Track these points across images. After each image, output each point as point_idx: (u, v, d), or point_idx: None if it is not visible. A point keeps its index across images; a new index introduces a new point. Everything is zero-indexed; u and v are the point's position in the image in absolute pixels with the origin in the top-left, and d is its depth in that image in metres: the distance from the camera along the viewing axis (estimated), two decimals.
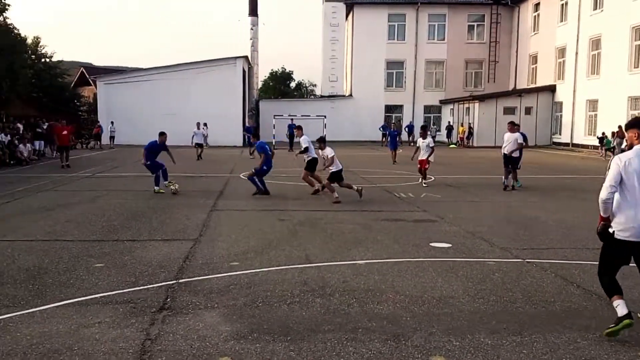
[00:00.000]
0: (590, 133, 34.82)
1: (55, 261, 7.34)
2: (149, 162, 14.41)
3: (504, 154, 15.60)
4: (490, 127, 38.90)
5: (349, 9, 48.08)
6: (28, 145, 24.65)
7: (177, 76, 39.99)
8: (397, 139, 26.64)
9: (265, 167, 14.17)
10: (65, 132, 22.41)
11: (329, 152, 13.45)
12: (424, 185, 15.99)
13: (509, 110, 39.50)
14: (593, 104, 34.67)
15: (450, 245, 8.56)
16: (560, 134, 38.86)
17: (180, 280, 6.50)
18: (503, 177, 15.66)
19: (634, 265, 4.96)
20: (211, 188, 15.27)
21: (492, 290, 6.21)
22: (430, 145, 16.30)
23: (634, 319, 4.77)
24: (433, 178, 17.69)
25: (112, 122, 37.72)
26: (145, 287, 6.24)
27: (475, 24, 47.08)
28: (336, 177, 13.37)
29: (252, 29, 47.73)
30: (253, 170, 14.26)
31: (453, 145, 40.90)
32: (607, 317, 5.23)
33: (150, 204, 12.31)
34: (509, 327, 5.08)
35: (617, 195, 4.86)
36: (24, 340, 4.67)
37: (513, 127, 15.76)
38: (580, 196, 14.25)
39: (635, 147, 4.92)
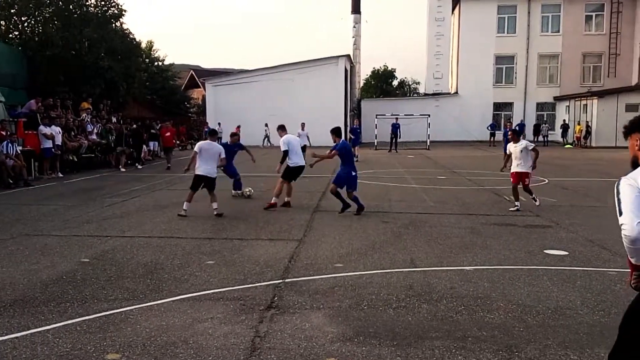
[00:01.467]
0: None
1: (170, 257, 7.75)
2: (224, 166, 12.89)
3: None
4: (611, 126, 36.25)
5: (456, 3, 46.86)
6: (143, 146, 26.20)
7: (281, 76, 41.00)
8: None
9: (345, 174, 11.32)
10: (168, 134, 23.47)
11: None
12: (537, 204, 12.18)
13: (632, 108, 36.56)
14: None
15: (566, 253, 8.05)
16: None
17: (287, 280, 6.62)
18: None
19: None
20: (313, 188, 15.49)
21: (614, 303, 5.75)
22: (529, 148, 12.04)
23: None
24: (546, 180, 16.76)
25: (219, 124, 39.46)
26: (254, 285, 6.41)
27: (593, 14, 44.08)
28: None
29: (354, 26, 47.82)
30: (333, 184, 11.61)
31: (569, 146, 38.62)
32: None
33: (254, 205, 12.66)
34: None
35: None
36: (143, 332, 4.95)
37: None
38: None
39: None
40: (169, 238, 9.08)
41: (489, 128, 40.61)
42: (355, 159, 13.71)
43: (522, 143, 12.17)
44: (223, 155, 11.60)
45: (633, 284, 3.18)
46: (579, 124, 39.67)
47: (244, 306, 5.65)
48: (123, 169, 21.67)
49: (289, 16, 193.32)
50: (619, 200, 3.14)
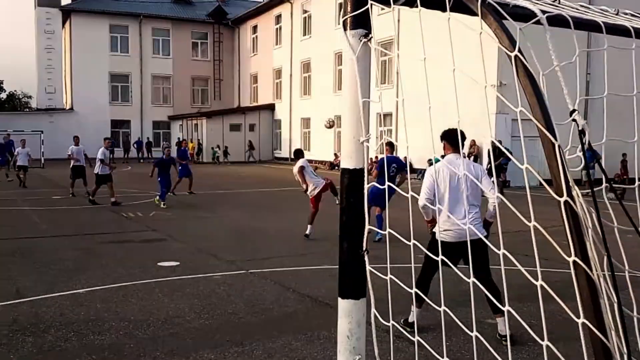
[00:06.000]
0: (305, 149, 38.37)
1: None
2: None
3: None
4: (219, 143, 40.15)
5: (66, 17, 44.65)
6: None
7: None
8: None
9: None
10: None
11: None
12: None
13: (235, 127, 41.33)
14: (306, 122, 38.35)
15: (178, 263, 8.59)
16: (280, 150, 42.00)
17: None
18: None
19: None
20: None
21: (217, 305, 6.44)
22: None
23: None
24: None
25: None
26: None
27: (199, 41, 48.03)
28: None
29: None
30: None
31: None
32: (317, 315, 5.91)
33: None
34: (232, 338, 5.34)
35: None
36: None
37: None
38: (297, 207, 15.61)
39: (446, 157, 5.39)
40: None
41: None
42: None
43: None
44: None
45: (429, 232, 5.32)
46: (192, 141, 42.59)
47: None
48: None
49: None
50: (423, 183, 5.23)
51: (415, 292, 4.54)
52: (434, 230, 5.25)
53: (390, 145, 11.44)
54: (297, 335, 5.44)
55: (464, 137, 5.51)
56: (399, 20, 25.17)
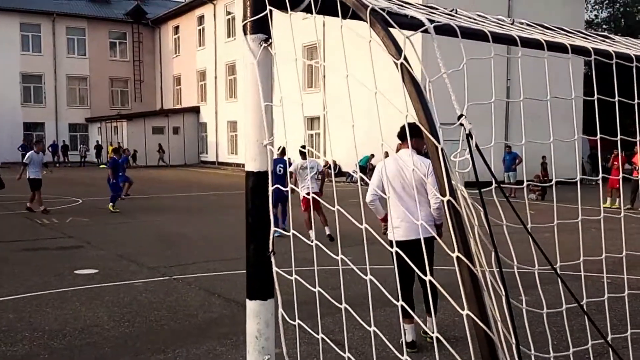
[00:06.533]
0: (232, 152, 38.01)
1: None
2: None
3: None
4: (140, 147, 38.97)
5: None
6: None
7: None
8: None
9: None
10: None
11: None
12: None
13: (158, 130, 40.31)
14: (233, 125, 38.00)
15: (97, 270, 8.31)
16: (207, 153, 41.38)
17: None
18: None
19: None
20: None
21: (139, 312, 6.29)
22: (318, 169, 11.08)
23: None
24: (80, 201, 16.79)
25: None
26: None
27: (117, 41, 46.41)
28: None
29: None
30: None
31: (103, 166, 39.55)
32: (243, 320, 5.89)
33: None
34: (154, 346, 5.24)
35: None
36: None
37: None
38: (224, 211, 15.49)
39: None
40: None
41: (20, 149, 38.05)
42: None
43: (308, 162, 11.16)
44: None
45: (382, 232, 5.19)
46: (111, 144, 41.15)
47: None
48: None
49: None
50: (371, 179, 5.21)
51: (402, 307, 4.40)
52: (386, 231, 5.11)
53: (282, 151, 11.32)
54: (223, 340, 5.41)
55: (417, 131, 5.26)
56: (323, 24, 25.44)
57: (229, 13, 37.75)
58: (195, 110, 42.21)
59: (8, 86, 41.70)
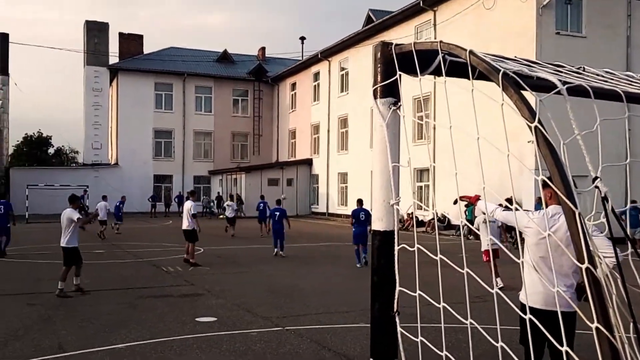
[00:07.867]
0: (342, 203, 38.44)
1: None
2: None
3: None
4: (258, 197, 40.54)
5: (113, 75, 46.79)
6: None
7: None
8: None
9: None
10: None
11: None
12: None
13: (273, 182, 41.84)
14: (343, 177, 38.56)
15: (215, 319, 8.63)
16: (317, 204, 42.17)
17: None
18: None
19: None
20: None
21: None
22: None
23: None
24: (202, 250, 17.71)
25: None
26: None
27: (240, 98, 49.48)
28: None
29: (1, 88, 43.27)
30: None
31: (223, 216, 41.54)
32: None
33: None
34: None
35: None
36: None
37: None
38: (334, 262, 15.59)
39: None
40: None
41: (150, 199, 41.20)
42: None
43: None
44: None
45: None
46: (230, 196, 43.23)
47: None
48: None
49: None
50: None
51: None
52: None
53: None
54: None
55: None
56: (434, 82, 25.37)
57: (342, 69, 38.96)
58: (308, 162, 43.41)
59: (142, 141, 45.58)
